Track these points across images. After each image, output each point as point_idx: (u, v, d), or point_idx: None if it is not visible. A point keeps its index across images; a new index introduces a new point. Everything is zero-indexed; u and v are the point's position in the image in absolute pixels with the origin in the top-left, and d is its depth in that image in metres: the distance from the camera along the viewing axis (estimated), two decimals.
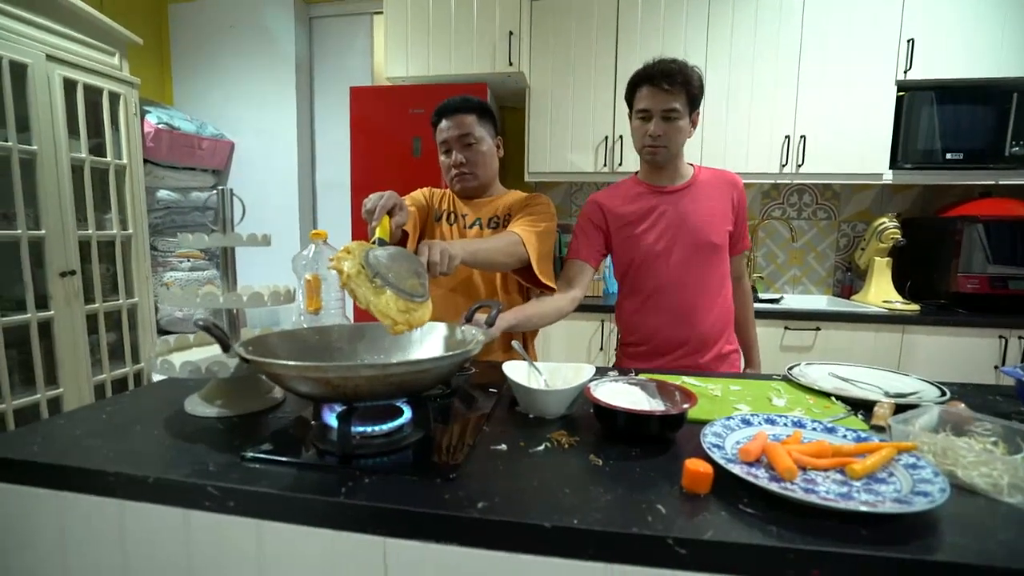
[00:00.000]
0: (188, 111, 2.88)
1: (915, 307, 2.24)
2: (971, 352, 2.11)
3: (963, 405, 0.85)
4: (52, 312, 1.93)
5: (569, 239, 2.89)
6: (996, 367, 2.09)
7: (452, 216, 1.37)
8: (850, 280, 2.64)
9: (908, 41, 2.21)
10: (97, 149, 2.12)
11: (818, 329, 2.18)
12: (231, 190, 0.87)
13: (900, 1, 2.20)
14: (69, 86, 1.96)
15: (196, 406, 0.85)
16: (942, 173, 2.30)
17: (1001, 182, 2.28)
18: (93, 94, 2.08)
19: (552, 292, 1.27)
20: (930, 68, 2.22)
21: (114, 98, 2.17)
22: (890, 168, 2.31)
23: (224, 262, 0.88)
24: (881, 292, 2.38)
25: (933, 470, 0.62)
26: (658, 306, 1.34)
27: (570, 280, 1.33)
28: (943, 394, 0.94)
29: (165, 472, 0.64)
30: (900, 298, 2.33)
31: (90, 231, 2.06)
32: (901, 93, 2.26)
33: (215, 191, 0.87)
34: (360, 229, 2.32)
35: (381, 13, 2.53)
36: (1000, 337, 2.09)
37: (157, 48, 2.95)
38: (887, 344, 2.15)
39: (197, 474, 0.64)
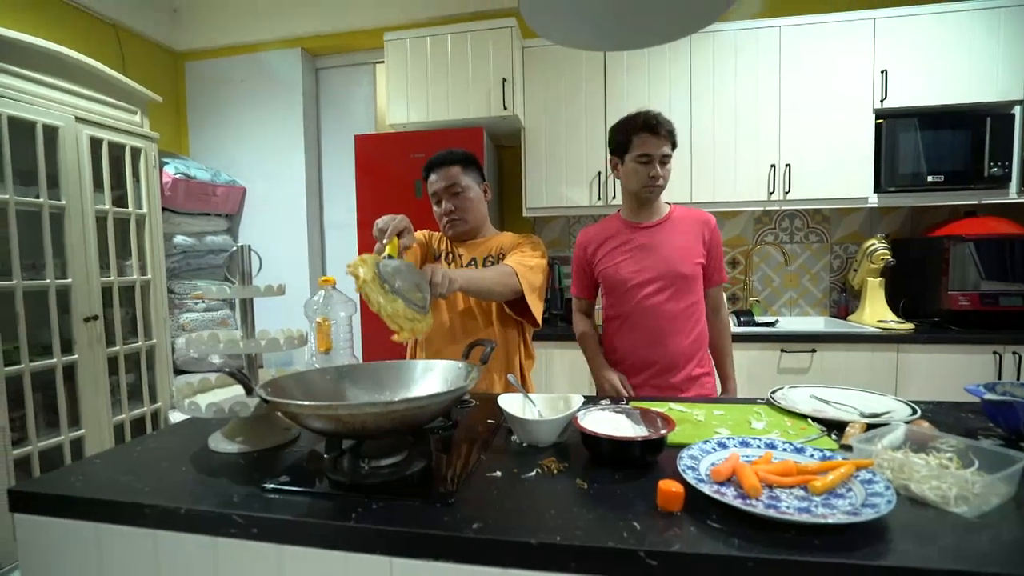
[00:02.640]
0: (203, 160, 3.04)
1: (909, 326, 2.29)
2: (966, 369, 2.14)
3: (927, 424, 0.91)
4: (76, 356, 2.03)
5: (569, 269, 2.98)
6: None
7: (450, 255, 1.47)
8: (846, 300, 2.70)
9: (881, 72, 2.33)
10: (119, 200, 2.26)
11: (814, 351, 2.23)
12: (249, 246, 0.97)
13: (871, 35, 2.33)
14: (95, 144, 2.12)
15: (219, 443, 0.92)
16: (926, 195, 2.38)
17: (984, 201, 2.36)
18: (116, 150, 2.24)
19: (536, 324, 1.41)
20: (904, 96, 2.33)
21: (135, 152, 2.32)
22: (875, 192, 2.39)
23: (243, 311, 0.98)
24: (876, 312, 2.43)
25: (885, 484, 0.68)
26: (632, 328, 1.47)
27: (583, 312, 1.65)
28: (913, 412, 1.00)
29: (195, 504, 0.72)
30: (895, 317, 2.38)
31: (112, 277, 2.18)
32: (879, 121, 2.36)
33: (235, 247, 0.96)
34: None
35: (383, 62, 2.70)
36: (994, 353, 2.13)
37: (174, 103, 3.14)
38: (883, 364, 2.19)
39: (223, 504, 0.71)
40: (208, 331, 0.91)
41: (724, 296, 1.57)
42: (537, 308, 1.35)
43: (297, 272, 3.04)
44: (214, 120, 3.14)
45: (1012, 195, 2.33)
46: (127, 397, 2.25)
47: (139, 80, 2.39)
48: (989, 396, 0.94)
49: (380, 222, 1.06)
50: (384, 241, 1.03)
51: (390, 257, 0.98)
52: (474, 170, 1.45)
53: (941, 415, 1.04)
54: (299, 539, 0.67)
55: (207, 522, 0.70)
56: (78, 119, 2.05)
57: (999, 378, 2.13)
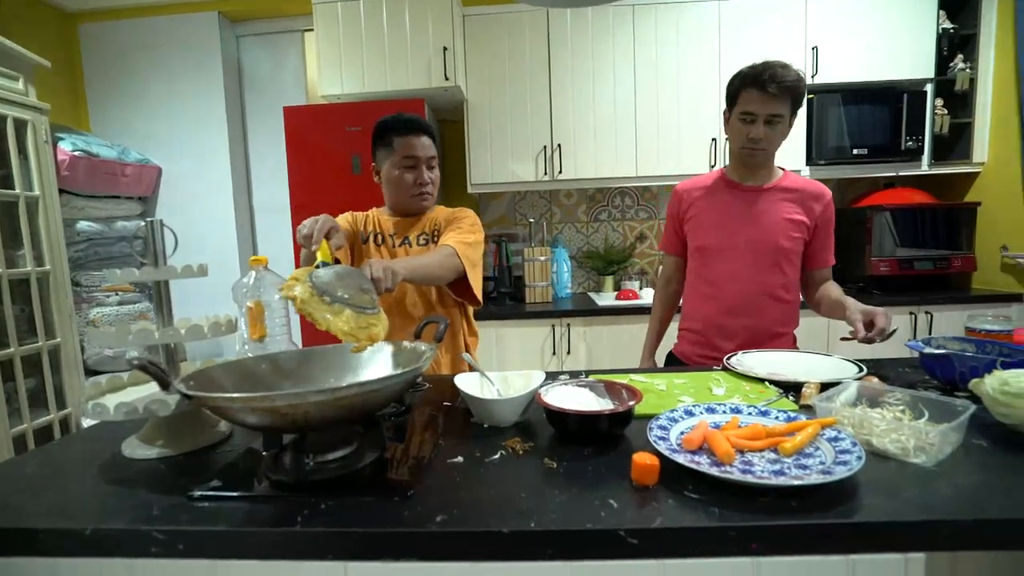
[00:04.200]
0: (107, 136, 2.71)
1: None
2: None
3: (876, 379, 0.94)
4: None
5: (515, 247, 2.92)
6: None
7: (379, 237, 1.37)
8: None
9: (812, 48, 2.41)
10: (4, 181, 1.96)
11: None
12: (160, 221, 0.84)
13: (803, 13, 2.40)
14: None
15: (135, 448, 0.80)
16: (851, 167, 2.52)
17: (901, 173, 2.53)
18: None
19: (478, 304, 1.32)
20: (833, 73, 2.43)
21: (20, 125, 2.02)
22: (807, 164, 2.50)
23: (158, 296, 0.85)
24: None
25: (851, 441, 0.68)
26: (714, 296, 1.37)
27: (668, 278, 1.54)
28: (861, 370, 1.03)
29: (104, 522, 0.61)
30: None
31: (0, 269, 1.90)
32: (810, 96, 2.45)
33: (144, 222, 0.83)
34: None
35: (312, 30, 2.50)
36: (911, 313, 2.30)
37: (68, 71, 2.77)
38: (819, 327, 2.31)
39: (140, 520, 0.61)
40: (117, 322, 0.78)
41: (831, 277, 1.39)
42: (479, 287, 1.30)
43: (225, 258, 2.79)
44: (118, 91, 2.79)
45: (924, 167, 2.51)
46: (28, 405, 1.99)
47: (20, 42, 2.07)
48: (928, 350, 0.98)
49: (303, 228, 0.94)
50: (313, 248, 0.92)
51: (324, 264, 0.87)
52: (438, 146, 1.38)
53: (882, 371, 1.09)
54: (237, 551, 0.59)
55: (120, 542, 0.59)
56: None
57: (914, 336, 2.31)
